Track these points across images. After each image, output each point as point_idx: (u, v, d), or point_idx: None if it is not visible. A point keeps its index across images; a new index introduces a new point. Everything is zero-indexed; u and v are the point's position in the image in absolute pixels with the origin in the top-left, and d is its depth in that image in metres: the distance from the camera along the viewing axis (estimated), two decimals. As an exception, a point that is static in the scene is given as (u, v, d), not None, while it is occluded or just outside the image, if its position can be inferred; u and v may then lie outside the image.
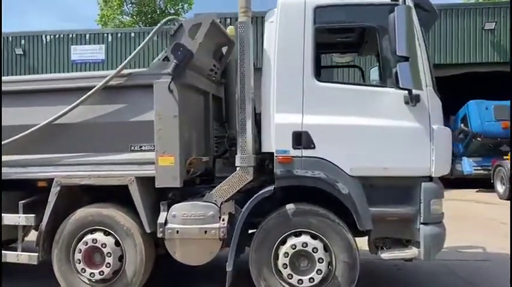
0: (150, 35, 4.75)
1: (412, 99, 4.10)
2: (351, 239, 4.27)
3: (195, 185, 4.99)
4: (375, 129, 4.25)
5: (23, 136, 4.63)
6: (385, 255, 4.34)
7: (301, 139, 4.29)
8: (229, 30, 5.29)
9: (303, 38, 4.37)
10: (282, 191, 4.54)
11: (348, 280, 4.25)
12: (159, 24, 4.71)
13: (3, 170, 4.75)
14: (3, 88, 4.71)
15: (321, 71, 5.88)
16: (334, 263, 4.28)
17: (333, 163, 4.27)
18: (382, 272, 5.85)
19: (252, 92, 4.54)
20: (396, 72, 3.95)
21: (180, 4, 28.93)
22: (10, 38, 17.93)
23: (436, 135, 4.19)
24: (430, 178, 4.25)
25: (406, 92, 4.09)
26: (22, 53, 17.67)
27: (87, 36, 17.67)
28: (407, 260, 4.48)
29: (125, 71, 4.63)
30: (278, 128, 4.37)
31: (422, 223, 4.19)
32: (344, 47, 5.85)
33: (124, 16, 28.87)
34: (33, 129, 4.62)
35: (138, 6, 28.63)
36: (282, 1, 4.53)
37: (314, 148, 4.29)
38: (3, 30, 20.96)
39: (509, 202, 11.44)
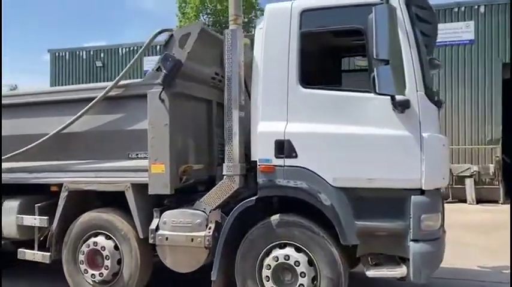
0: (143, 47, 4.93)
1: (396, 106, 3.78)
2: (335, 254, 4.03)
3: (197, 192, 5.04)
4: (359, 138, 3.98)
5: (37, 144, 5.01)
6: (371, 272, 4.02)
7: (283, 148, 4.15)
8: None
9: (288, 43, 4.24)
10: (279, 199, 4.43)
11: (333, 297, 4.02)
12: (151, 36, 4.85)
13: (22, 175, 5.22)
14: (18, 101, 5.17)
15: (342, 76, 5.65)
16: (318, 278, 4.07)
17: (315, 173, 4.07)
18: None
19: (242, 100, 4.51)
20: (374, 77, 3.67)
21: (254, 12, 29.36)
22: (91, 52, 19.56)
23: (426, 144, 3.81)
24: (422, 191, 3.88)
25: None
26: (102, 65, 19.14)
27: (158, 47, 18.65)
28: (400, 279, 4.12)
29: (122, 82, 4.84)
30: (261, 137, 4.27)
31: (412, 240, 3.84)
32: (363, 49, 5.55)
33: (201, 27, 29.89)
34: (45, 137, 4.99)
35: (213, 16, 29.52)
36: (269, 7, 4.45)
37: (296, 156, 4.13)
38: (89, 44, 22.64)
39: None
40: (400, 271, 3.95)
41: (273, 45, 4.31)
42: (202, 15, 29.98)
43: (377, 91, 3.68)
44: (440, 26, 15.78)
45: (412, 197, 3.84)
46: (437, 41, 16.20)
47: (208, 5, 29.60)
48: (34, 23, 66.48)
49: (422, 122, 3.85)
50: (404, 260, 4.05)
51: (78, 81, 19.27)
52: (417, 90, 3.87)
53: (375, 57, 3.63)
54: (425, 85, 3.93)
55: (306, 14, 4.24)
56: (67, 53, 19.88)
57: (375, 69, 3.66)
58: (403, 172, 3.88)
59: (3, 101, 5.40)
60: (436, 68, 5.42)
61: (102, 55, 19.31)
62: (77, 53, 19.78)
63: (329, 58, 5.14)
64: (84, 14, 65.94)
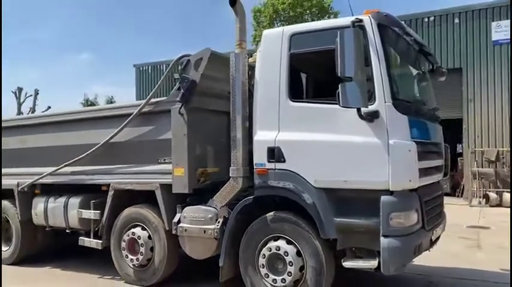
0: (167, 70, 5.87)
1: (362, 116, 4.28)
2: (318, 246, 4.59)
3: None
4: (335, 144, 4.50)
5: (92, 151, 6.18)
6: (347, 263, 4.52)
7: (274, 153, 4.81)
8: (253, 58, 6.01)
9: (280, 63, 4.89)
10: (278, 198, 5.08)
11: (316, 284, 4.60)
12: (173, 61, 5.77)
13: (81, 177, 6.44)
14: (80, 116, 6.43)
15: (324, 90, 6.01)
16: (306, 267, 4.67)
17: (299, 175, 4.68)
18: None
19: (246, 112, 5.22)
20: (338, 93, 4.21)
21: (327, 16, 29.67)
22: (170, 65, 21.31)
23: (392, 150, 4.24)
24: (391, 192, 4.31)
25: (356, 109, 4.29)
26: (178, 77, 20.77)
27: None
28: (375, 270, 4.53)
29: (153, 100, 5.83)
30: (256, 144, 4.97)
31: (382, 235, 4.28)
32: None
33: (275, 35, 30.80)
34: (97, 146, 6.14)
35: (287, 23, 30.27)
36: (266, 32, 5.16)
37: (284, 161, 4.76)
38: (166, 58, 24.85)
39: None
40: (372, 263, 4.40)
41: (268, 64, 5.00)
42: (276, 23, 31.02)
43: (340, 105, 4.21)
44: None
45: (381, 197, 4.29)
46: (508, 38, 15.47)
47: (281, 13, 30.47)
48: (136, 38, 73.14)
49: (390, 130, 4.28)
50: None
51: (159, 92, 21.07)
52: (385, 102, 4.32)
53: (339, 74, 4.17)
54: (393, 97, 4.35)
55: (295, 37, 4.88)
56: (149, 67, 21.94)
57: (339, 85, 4.20)
58: (373, 174, 4.34)
59: (74, 117, 6.70)
60: (443, 76, 5.73)
61: (179, 67, 20.98)
62: (158, 66, 21.74)
63: (313, 75, 5.68)
64: (181, 28, 71.72)
